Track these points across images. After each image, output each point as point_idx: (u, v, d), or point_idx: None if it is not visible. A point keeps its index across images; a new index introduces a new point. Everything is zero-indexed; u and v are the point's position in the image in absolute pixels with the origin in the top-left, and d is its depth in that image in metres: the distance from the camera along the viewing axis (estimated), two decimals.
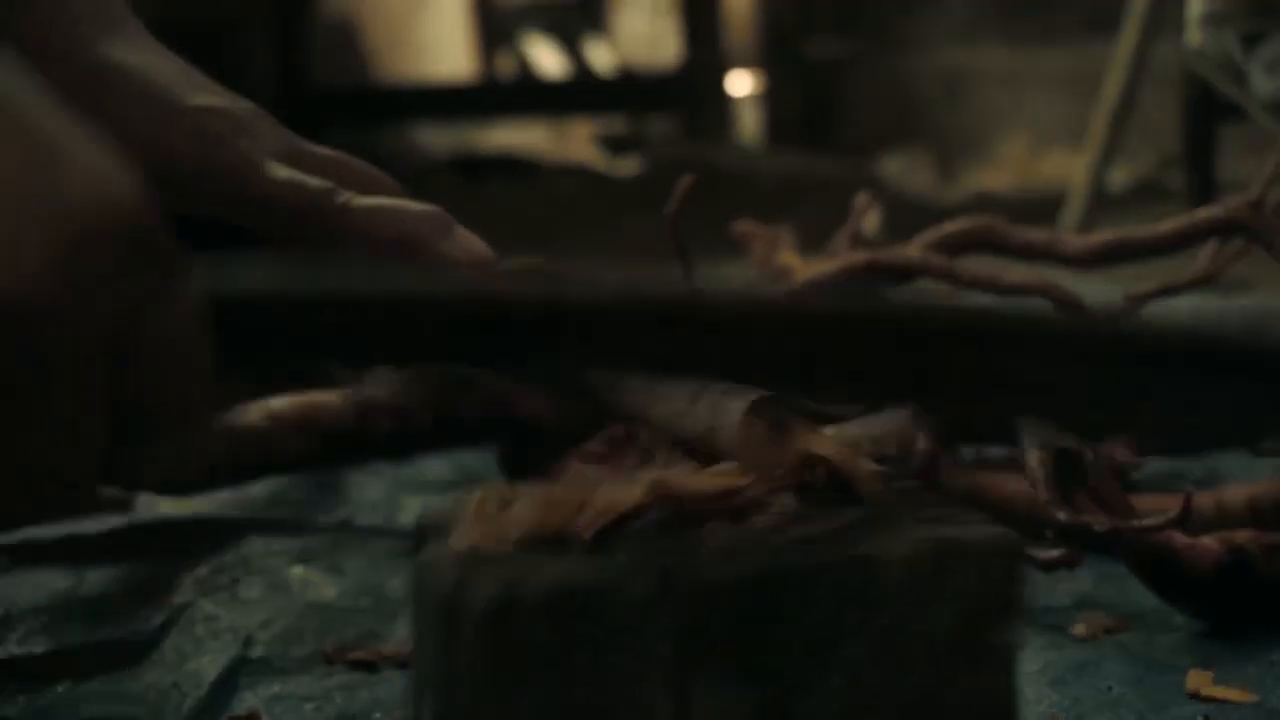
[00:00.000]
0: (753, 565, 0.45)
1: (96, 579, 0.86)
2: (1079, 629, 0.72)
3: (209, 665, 0.71)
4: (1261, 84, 1.21)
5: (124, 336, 0.43)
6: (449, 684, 0.45)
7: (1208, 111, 2.26)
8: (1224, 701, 0.63)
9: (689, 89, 4.82)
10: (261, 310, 0.47)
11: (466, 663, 0.44)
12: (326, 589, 0.83)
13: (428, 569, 0.46)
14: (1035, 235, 1.01)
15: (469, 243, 0.65)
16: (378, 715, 0.66)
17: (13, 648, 0.76)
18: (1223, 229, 0.93)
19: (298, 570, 0.86)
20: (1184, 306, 1.04)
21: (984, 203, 3.05)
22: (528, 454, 0.96)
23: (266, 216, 0.64)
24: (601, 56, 6.44)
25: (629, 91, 5.44)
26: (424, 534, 0.48)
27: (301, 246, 0.65)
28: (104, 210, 0.42)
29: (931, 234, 1.02)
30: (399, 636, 0.75)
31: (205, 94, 0.65)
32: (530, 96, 5.51)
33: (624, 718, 0.44)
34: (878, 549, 0.46)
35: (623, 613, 0.43)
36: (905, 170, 4.07)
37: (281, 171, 0.64)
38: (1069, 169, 2.74)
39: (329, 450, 0.98)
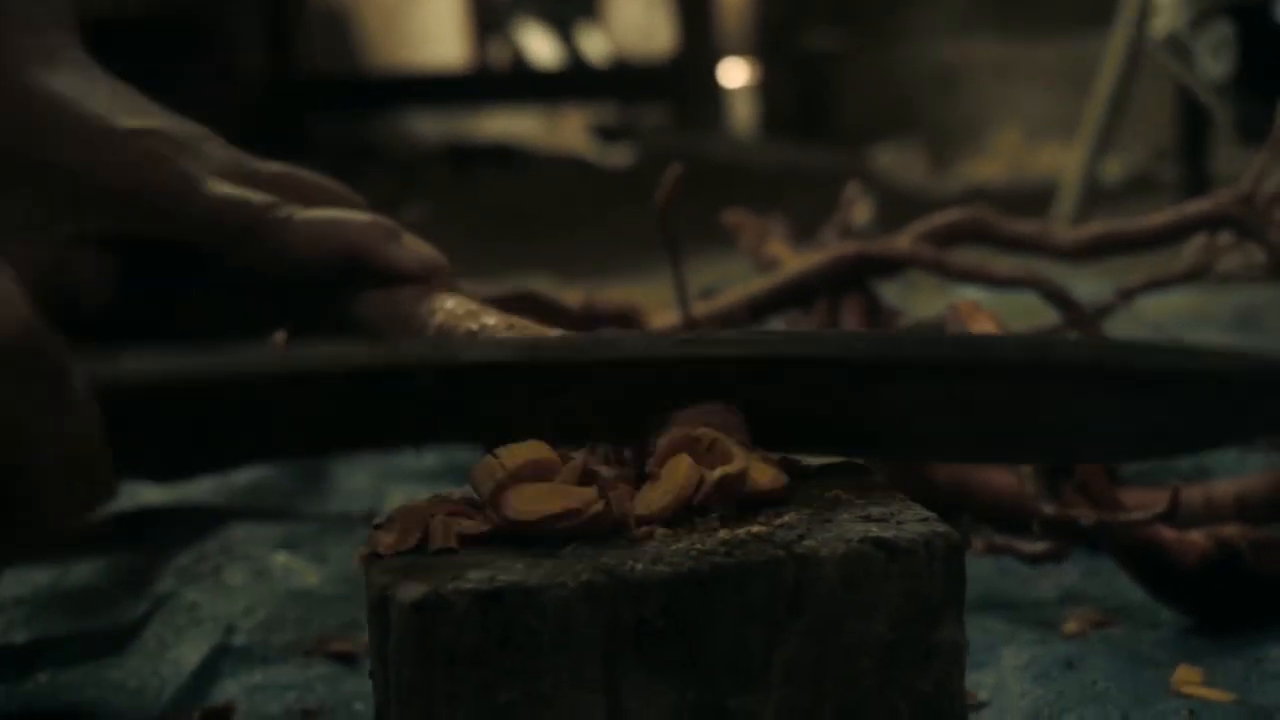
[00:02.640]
0: (683, 563, 0.44)
1: (79, 568, 0.85)
2: (1066, 624, 0.71)
3: (190, 654, 0.71)
4: (1208, 67, 1.20)
5: (12, 452, 0.45)
6: (385, 680, 0.45)
7: (1201, 105, 2.26)
8: (1208, 700, 0.62)
9: (682, 79, 4.82)
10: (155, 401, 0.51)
11: (398, 661, 0.44)
12: (309, 577, 0.83)
13: (367, 567, 0.47)
14: (1025, 227, 1.00)
15: (417, 249, 0.65)
16: (359, 705, 0.66)
17: None
18: (1213, 222, 0.93)
19: (281, 558, 0.85)
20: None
21: (976, 195, 3.05)
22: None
23: (208, 234, 0.64)
24: (595, 45, 6.44)
25: (622, 81, 5.44)
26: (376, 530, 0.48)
27: (246, 264, 0.65)
28: None
29: (921, 225, 1.02)
30: None
31: (142, 117, 0.65)
32: (523, 85, 5.51)
33: (556, 717, 0.44)
34: (813, 547, 0.45)
35: (551, 612, 0.43)
36: (898, 162, 4.06)
37: (222, 188, 0.64)
38: (1062, 161, 2.73)
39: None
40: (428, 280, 0.64)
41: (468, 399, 0.52)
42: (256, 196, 0.64)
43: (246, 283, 0.67)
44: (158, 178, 0.64)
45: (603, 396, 0.52)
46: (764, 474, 0.49)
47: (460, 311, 0.61)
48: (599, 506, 0.46)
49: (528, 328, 0.58)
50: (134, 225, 0.64)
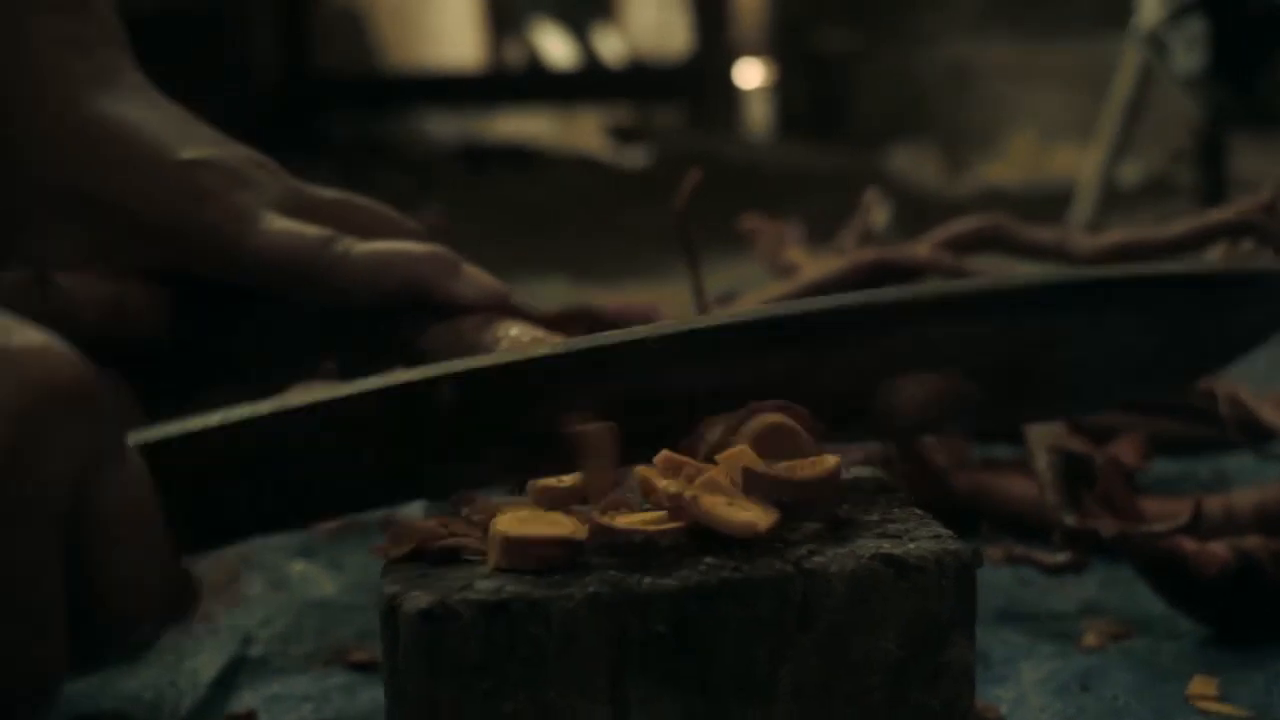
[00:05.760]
0: (691, 577, 0.44)
1: None
2: (1085, 636, 0.71)
3: (207, 664, 0.71)
4: (1181, 60, 1.21)
5: (78, 501, 0.43)
6: (393, 688, 0.45)
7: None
8: (1228, 715, 0.62)
9: (697, 80, 4.82)
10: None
11: (405, 669, 0.44)
12: (327, 585, 0.83)
13: (381, 574, 0.47)
14: (1045, 234, 1.00)
15: (478, 280, 0.63)
16: (376, 715, 0.65)
17: None
18: (1234, 230, 0.93)
19: (298, 566, 0.85)
20: None
21: (992, 197, 3.04)
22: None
23: (263, 271, 0.62)
24: (610, 46, 6.44)
25: (637, 81, 5.44)
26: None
27: (303, 299, 0.64)
28: (47, 377, 0.43)
29: (940, 232, 1.01)
30: None
31: (198, 146, 0.63)
32: (538, 85, 5.51)
33: None
34: (822, 564, 0.45)
35: (558, 623, 0.43)
36: (913, 163, 4.06)
37: (277, 223, 0.62)
38: (1078, 164, 2.73)
39: None
40: (490, 309, 0.63)
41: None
42: (312, 231, 0.62)
43: (304, 317, 0.65)
44: (212, 214, 0.62)
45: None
46: (757, 518, 0.46)
47: (525, 339, 0.60)
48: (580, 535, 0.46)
49: None
50: (188, 261, 0.63)
